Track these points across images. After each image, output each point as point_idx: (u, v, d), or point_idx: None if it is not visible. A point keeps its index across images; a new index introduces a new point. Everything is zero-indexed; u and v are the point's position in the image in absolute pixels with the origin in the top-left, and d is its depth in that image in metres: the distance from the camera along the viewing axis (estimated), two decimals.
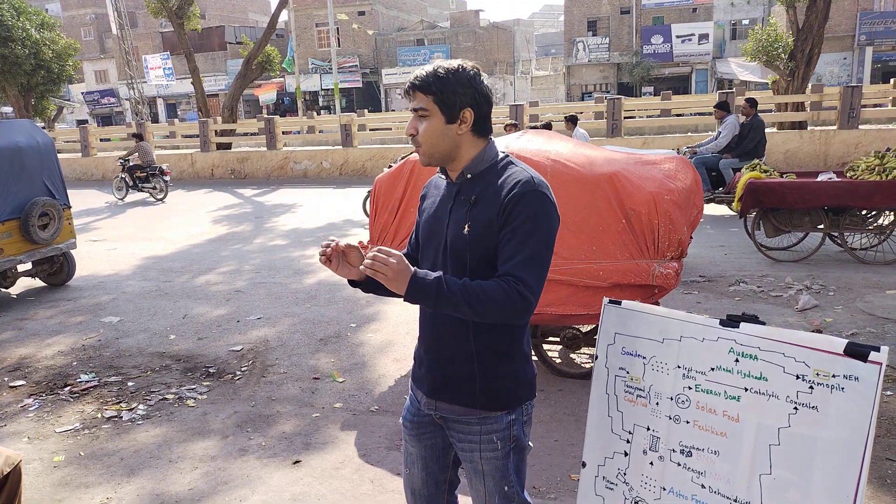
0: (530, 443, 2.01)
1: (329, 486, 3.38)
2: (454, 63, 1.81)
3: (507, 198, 1.76)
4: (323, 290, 7.07)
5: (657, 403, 2.08)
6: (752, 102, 9.79)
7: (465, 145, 1.84)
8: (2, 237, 6.84)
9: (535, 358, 4.70)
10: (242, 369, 5.00)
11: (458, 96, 1.78)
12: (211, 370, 5.01)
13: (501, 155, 1.88)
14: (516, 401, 1.92)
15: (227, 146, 20.31)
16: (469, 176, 1.85)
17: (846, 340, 1.72)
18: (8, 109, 31.52)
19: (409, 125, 1.85)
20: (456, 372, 1.90)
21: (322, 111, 39.67)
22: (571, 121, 11.42)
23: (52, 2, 49.55)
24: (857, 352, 1.69)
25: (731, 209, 9.13)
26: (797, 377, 1.79)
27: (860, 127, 14.01)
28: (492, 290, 1.68)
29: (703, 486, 1.97)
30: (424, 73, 1.79)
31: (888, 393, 4.09)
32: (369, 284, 1.94)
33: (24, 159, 6.99)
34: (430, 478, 2.10)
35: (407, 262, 1.69)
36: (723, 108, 10.00)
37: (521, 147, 4.19)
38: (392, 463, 3.54)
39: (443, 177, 1.96)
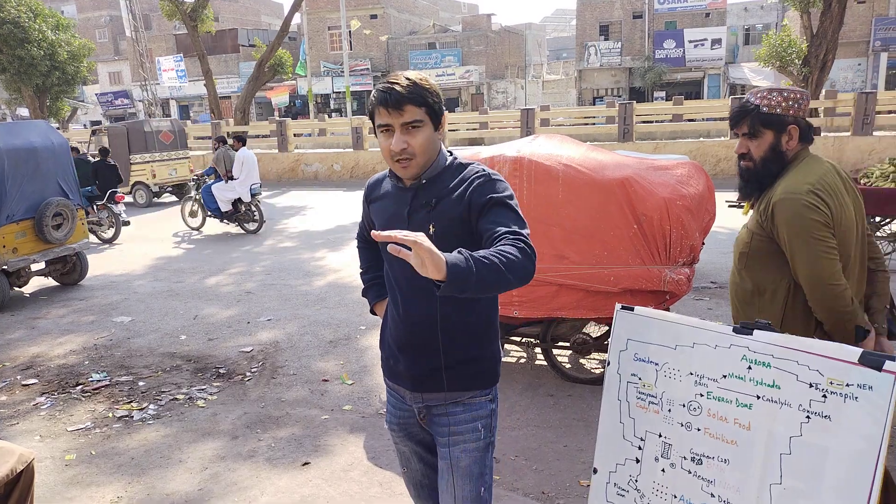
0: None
1: (338, 488, 3.39)
2: (417, 73, 1.82)
3: (472, 191, 1.81)
4: (332, 292, 7.08)
5: (669, 410, 2.07)
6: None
7: (436, 151, 1.88)
8: (16, 237, 6.92)
9: (544, 363, 4.70)
10: (252, 370, 5.02)
11: (439, 104, 1.82)
12: (221, 371, 5.03)
13: (451, 158, 1.92)
14: (496, 376, 2.01)
15: None
16: (424, 181, 1.87)
17: (861, 349, 1.70)
18: (24, 111, 31.84)
19: (396, 141, 1.77)
20: (440, 362, 1.91)
21: (333, 114, 39.79)
22: (220, 141, 11.67)
23: (68, 4, 50.05)
24: (872, 361, 1.68)
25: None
26: (810, 385, 1.77)
27: (874, 133, 13.91)
28: (509, 251, 1.58)
29: (712, 495, 1.96)
30: (409, 85, 1.75)
31: None
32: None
33: (39, 160, 7.07)
34: (429, 467, 2.15)
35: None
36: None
37: (532, 151, 4.19)
38: None
39: (392, 180, 1.95)
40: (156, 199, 15.36)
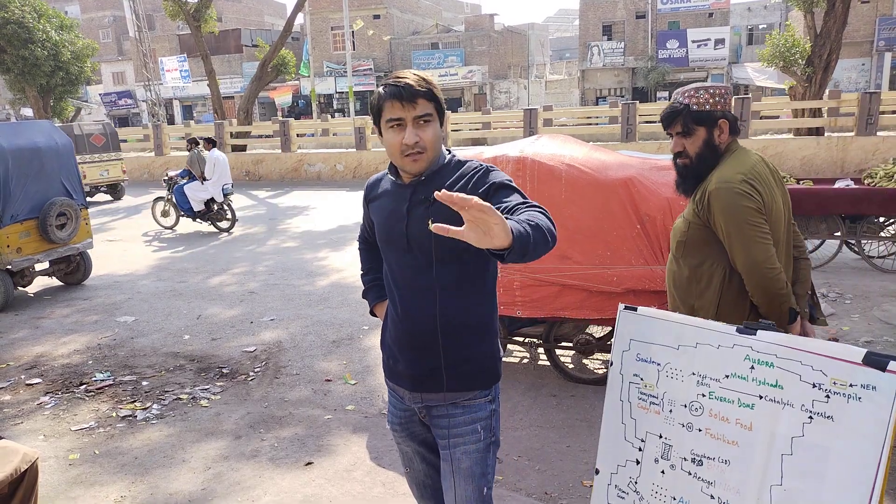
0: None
1: (341, 488, 3.39)
2: (421, 72, 1.86)
3: (472, 184, 1.83)
4: (335, 292, 7.09)
5: (670, 411, 2.07)
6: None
7: (441, 147, 1.91)
8: (20, 236, 6.94)
9: (547, 363, 4.69)
10: (255, 370, 5.02)
11: (442, 101, 1.85)
12: (224, 371, 5.04)
13: (449, 155, 1.94)
14: (497, 376, 2.00)
15: (243, 148, 20.45)
16: (423, 178, 1.88)
17: (865, 350, 1.70)
18: (28, 112, 31.90)
19: (409, 134, 1.78)
20: (440, 362, 1.91)
21: (336, 114, 39.82)
22: (193, 143, 11.55)
23: (72, 4, 50.17)
24: (876, 361, 1.68)
25: None
26: (813, 386, 1.77)
27: (878, 133, 13.87)
28: (538, 216, 1.58)
29: (711, 497, 1.95)
30: (419, 80, 1.80)
31: None
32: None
33: (43, 160, 7.08)
34: (432, 467, 2.16)
35: None
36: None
37: (535, 151, 4.19)
38: None
39: (392, 177, 1.97)
40: (88, 199, 15.85)
